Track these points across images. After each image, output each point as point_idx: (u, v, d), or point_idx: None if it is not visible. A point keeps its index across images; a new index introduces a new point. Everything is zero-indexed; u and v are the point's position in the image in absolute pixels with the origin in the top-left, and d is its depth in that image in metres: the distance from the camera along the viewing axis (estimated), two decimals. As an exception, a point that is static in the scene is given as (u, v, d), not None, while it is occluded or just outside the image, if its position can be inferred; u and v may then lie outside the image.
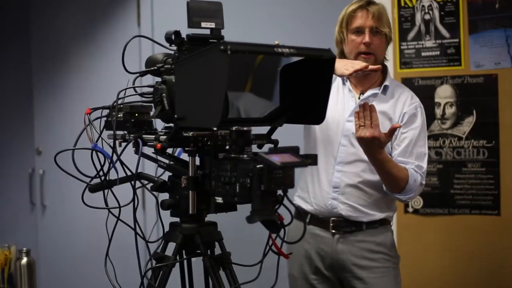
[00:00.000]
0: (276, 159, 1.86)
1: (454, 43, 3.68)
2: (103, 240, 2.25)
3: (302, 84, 2.17)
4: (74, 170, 2.21)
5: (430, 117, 3.77)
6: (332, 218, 2.76)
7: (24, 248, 3.37)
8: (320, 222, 2.80)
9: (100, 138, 2.23)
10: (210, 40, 2.16)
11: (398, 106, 2.75)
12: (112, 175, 2.23)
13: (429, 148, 2.99)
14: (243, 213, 2.11)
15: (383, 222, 2.79)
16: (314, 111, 2.21)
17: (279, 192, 1.99)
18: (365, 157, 2.66)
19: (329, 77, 2.16)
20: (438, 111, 3.66)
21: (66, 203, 4.37)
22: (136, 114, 2.22)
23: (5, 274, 3.39)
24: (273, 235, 2.10)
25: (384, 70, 2.84)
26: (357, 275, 2.75)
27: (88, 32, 4.39)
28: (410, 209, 3.84)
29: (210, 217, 2.27)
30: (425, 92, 3.77)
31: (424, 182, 2.74)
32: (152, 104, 2.24)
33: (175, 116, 2.03)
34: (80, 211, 2.24)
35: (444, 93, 3.67)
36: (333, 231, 2.76)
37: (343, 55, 2.81)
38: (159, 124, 2.25)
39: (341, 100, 2.81)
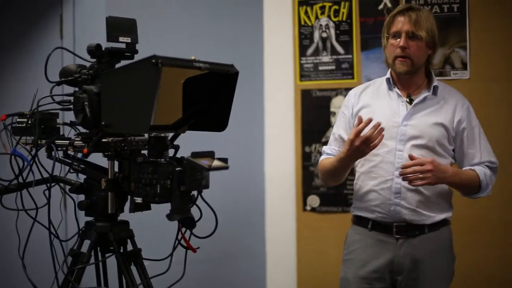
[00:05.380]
0: (205, 162, 1.90)
1: (348, 59, 3.76)
2: (24, 239, 2.20)
3: (205, 95, 2.17)
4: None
5: (325, 125, 3.84)
6: (395, 224, 2.62)
7: None
8: (383, 227, 2.65)
9: (10, 144, 2.18)
10: (126, 54, 2.15)
11: (449, 113, 2.64)
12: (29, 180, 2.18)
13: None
14: (155, 212, 2.11)
15: (444, 223, 2.67)
16: (217, 119, 2.22)
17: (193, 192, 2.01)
18: None
19: (232, 89, 2.17)
20: (333, 120, 3.71)
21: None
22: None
23: None
24: (182, 230, 2.10)
25: (427, 73, 2.72)
26: (414, 277, 2.63)
27: (13, 43, 4.27)
28: (308, 208, 3.90)
29: (121, 216, 2.25)
30: (321, 102, 3.86)
31: (495, 173, 2.69)
32: (60, 112, 2.22)
33: (102, 123, 2.00)
34: (4, 210, 2.18)
35: (338, 103, 3.73)
36: (397, 236, 2.62)
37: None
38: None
39: (392, 106, 2.68)
